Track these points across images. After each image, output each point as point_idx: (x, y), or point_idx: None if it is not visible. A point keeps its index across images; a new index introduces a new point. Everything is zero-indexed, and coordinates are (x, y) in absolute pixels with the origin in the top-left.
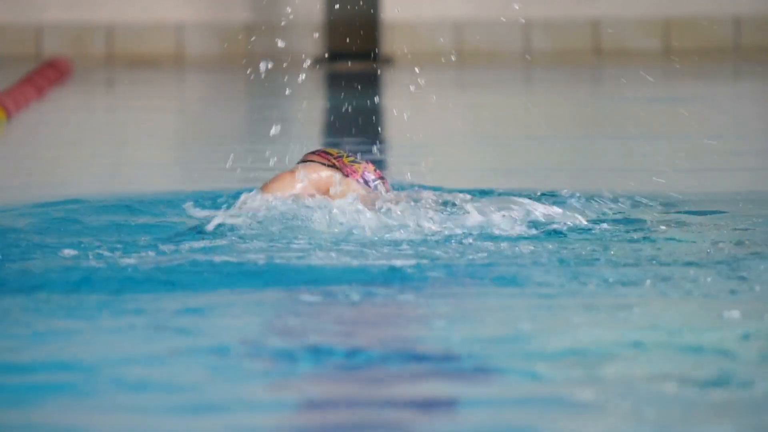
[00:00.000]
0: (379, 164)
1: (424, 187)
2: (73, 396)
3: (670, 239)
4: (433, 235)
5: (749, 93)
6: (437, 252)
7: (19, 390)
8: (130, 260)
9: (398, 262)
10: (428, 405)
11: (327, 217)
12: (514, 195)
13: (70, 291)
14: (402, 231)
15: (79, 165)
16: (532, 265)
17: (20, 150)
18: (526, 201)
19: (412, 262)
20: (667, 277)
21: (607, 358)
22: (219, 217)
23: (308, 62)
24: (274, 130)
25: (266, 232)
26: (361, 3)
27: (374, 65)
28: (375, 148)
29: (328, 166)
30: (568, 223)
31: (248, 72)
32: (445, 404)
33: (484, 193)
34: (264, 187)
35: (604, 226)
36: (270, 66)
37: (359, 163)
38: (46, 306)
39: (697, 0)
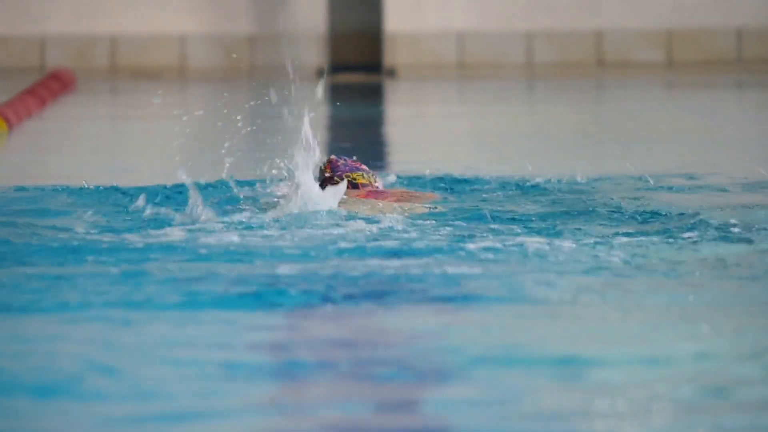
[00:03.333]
0: (379, 168)
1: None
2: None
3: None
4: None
5: (752, 104)
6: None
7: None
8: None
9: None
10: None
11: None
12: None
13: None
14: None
15: (77, 171)
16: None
17: (18, 156)
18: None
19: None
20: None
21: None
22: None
23: (311, 74)
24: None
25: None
26: (364, 15)
27: (377, 77)
28: (377, 154)
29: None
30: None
31: (253, 89)
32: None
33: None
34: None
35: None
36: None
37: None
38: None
39: (700, 12)
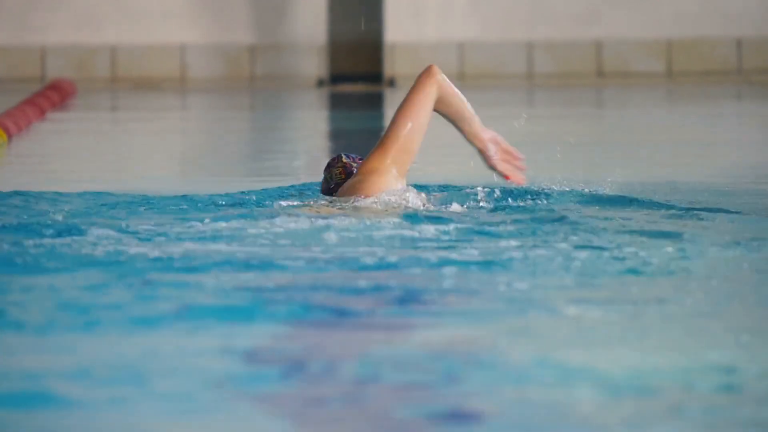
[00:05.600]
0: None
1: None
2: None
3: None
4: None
5: (753, 115)
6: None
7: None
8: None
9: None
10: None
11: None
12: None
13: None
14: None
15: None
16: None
17: (19, 166)
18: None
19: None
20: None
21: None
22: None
23: (312, 84)
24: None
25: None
26: (364, 25)
27: (377, 86)
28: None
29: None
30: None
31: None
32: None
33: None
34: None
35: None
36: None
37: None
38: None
39: (700, 22)
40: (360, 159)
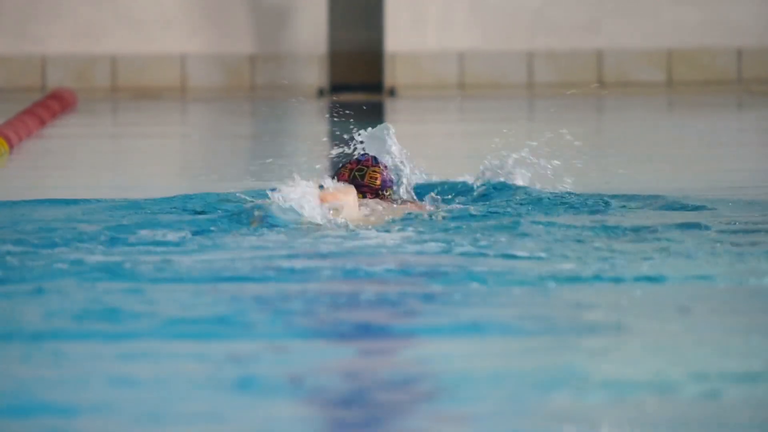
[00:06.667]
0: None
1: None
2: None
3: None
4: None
5: (753, 125)
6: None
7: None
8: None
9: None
10: None
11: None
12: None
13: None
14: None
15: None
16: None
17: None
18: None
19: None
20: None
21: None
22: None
23: (312, 93)
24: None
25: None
26: (364, 35)
27: (378, 96)
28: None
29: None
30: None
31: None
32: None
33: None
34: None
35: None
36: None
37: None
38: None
39: (700, 32)
40: (385, 167)
